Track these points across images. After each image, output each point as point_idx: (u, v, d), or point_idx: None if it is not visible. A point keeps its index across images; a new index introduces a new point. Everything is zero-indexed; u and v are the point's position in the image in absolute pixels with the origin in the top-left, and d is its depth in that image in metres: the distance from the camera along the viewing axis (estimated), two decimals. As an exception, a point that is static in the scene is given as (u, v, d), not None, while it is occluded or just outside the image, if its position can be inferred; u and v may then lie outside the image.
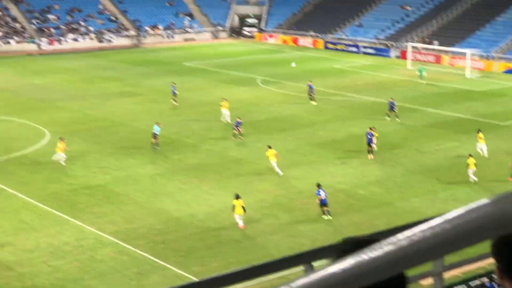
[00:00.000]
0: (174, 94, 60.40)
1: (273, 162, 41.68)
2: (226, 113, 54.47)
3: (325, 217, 34.93)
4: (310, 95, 61.36)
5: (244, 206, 33.52)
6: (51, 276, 28.49)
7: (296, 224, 34.20)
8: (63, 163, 42.43)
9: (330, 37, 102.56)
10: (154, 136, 46.80)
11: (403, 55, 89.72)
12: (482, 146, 44.83)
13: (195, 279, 27.30)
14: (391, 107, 55.19)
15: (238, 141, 48.40)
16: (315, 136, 50.35)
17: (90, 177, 41.11)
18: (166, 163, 44.00)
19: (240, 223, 33.49)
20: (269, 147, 42.36)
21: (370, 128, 46.31)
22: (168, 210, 35.89)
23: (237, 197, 33.82)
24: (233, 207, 33.61)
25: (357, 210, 36.28)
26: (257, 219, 34.81)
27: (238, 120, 49.74)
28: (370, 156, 44.85)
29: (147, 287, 27.80)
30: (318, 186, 35.78)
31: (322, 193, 35.10)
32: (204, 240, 32.19)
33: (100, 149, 46.95)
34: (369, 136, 45.45)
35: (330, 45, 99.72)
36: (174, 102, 60.30)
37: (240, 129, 49.16)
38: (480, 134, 45.36)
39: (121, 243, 31.79)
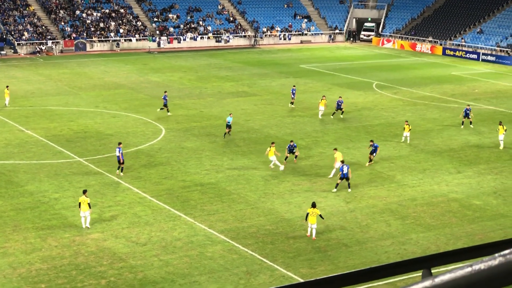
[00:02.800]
0: (293, 97, 60.56)
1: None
2: (322, 109, 56.64)
3: (335, 190, 38.68)
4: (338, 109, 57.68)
5: (321, 214, 32.70)
6: (161, 270, 28.97)
7: (408, 232, 33.60)
8: (272, 166, 42.91)
9: (449, 43, 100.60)
10: (227, 126, 49.85)
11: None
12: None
13: (302, 281, 27.26)
14: (466, 114, 54.12)
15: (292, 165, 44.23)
16: (430, 144, 49.45)
17: (203, 175, 41.63)
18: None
19: (309, 231, 32.51)
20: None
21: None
22: (278, 211, 35.93)
23: (313, 205, 32.63)
24: (306, 215, 32.47)
25: (472, 220, 35.32)
26: (367, 224, 34.41)
27: (292, 143, 44.52)
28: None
29: (255, 286, 27.88)
30: (342, 162, 39.52)
31: (345, 168, 38.58)
32: (313, 242, 32.04)
33: (214, 148, 47.52)
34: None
35: (448, 52, 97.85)
36: (291, 105, 60.58)
37: (295, 152, 44.15)
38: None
39: (230, 241, 32.02)
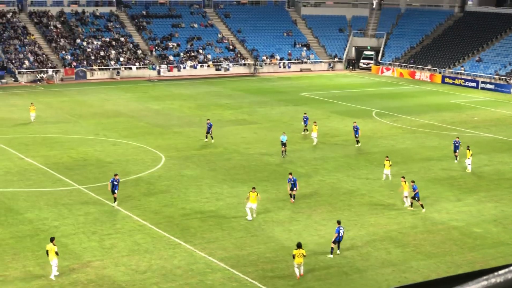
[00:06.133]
0: (306, 124, 60.80)
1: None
2: (314, 136, 57.34)
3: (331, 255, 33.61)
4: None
5: (304, 254, 31.13)
6: (161, 298, 28.83)
7: (408, 259, 33.50)
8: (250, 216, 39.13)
9: (448, 71, 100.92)
10: (283, 144, 52.31)
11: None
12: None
13: (303, 309, 27.12)
14: (456, 147, 52.13)
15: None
16: (430, 172, 49.41)
17: (203, 203, 41.57)
18: (278, 191, 44.00)
19: (297, 272, 31.05)
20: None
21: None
22: (278, 239, 35.83)
23: (299, 245, 31.16)
24: (293, 256, 31.14)
25: (472, 248, 35.23)
26: (367, 252, 34.31)
27: (291, 177, 42.28)
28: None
29: (255, 315, 27.73)
30: (339, 223, 34.33)
31: (341, 231, 33.61)
32: (313, 271, 31.91)
33: (214, 175, 47.48)
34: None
35: (447, 80, 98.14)
36: (304, 132, 60.91)
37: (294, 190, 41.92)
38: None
39: (230, 269, 31.90)
